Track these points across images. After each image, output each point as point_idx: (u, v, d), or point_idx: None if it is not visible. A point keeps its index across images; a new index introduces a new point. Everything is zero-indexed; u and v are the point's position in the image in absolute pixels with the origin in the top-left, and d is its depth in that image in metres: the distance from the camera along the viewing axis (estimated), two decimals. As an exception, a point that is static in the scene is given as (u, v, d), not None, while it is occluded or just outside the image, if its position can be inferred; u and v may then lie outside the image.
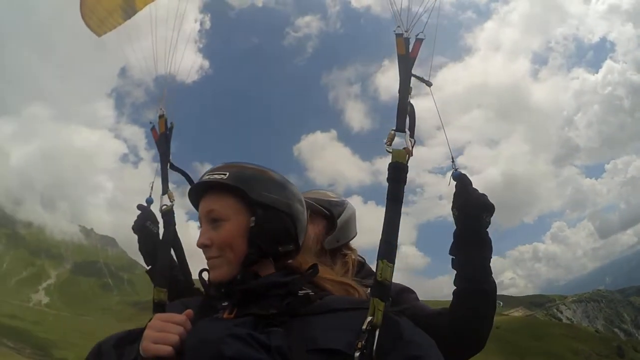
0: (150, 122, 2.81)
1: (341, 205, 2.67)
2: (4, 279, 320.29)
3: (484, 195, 2.03)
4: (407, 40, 1.99)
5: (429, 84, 2.05)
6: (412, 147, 1.86)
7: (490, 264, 2.07)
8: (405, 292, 2.31)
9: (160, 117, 2.78)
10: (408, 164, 1.81)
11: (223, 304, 1.65)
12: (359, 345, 1.43)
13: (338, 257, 2.52)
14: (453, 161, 2.13)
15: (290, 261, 1.80)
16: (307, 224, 1.87)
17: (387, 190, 1.78)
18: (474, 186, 2.07)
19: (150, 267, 2.64)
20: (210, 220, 1.71)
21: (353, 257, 2.56)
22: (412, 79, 1.98)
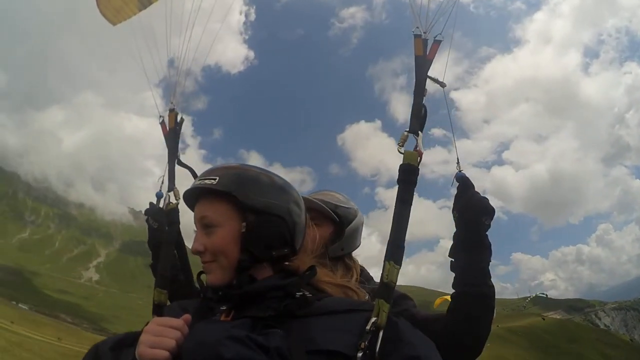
0: (160, 116, 2.71)
1: (351, 213, 2.60)
2: (57, 257, 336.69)
3: (484, 198, 2.04)
4: (425, 41, 1.98)
5: (442, 85, 2.04)
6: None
7: (489, 268, 2.05)
8: (404, 299, 2.29)
9: (171, 111, 2.68)
10: (419, 166, 1.79)
11: (221, 307, 1.63)
12: (362, 346, 1.42)
13: (339, 265, 2.48)
14: (458, 162, 2.15)
15: (287, 263, 1.76)
16: (306, 226, 1.83)
17: (397, 191, 1.76)
18: (475, 189, 2.08)
19: (152, 262, 2.66)
20: (203, 226, 1.68)
21: (356, 266, 2.54)
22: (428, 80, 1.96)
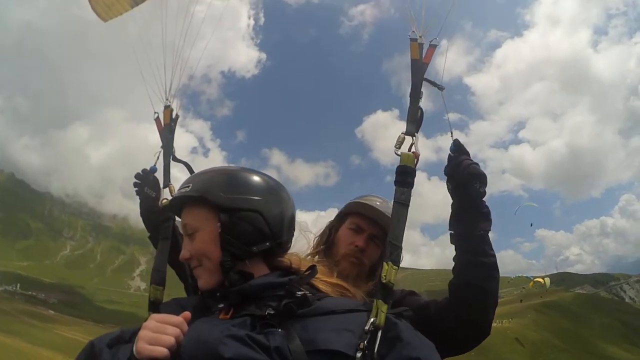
0: (155, 113, 2.69)
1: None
2: (101, 270, 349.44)
3: (474, 163, 1.99)
4: (421, 45, 1.98)
5: (441, 88, 2.02)
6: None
7: (490, 236, 2.01)
8: (409, 295, 2.27)
9: (166, 107, 2.66)
10: (416, 168, 1.82)
11: (219, 305, 1.63)
12: (361, 346, 1.42)
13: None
14: (451, 133, 2.10)
15: (281, 259, 1.78)
16: (287, 216, 1.76)
17: (394, 193, 1.79)
18: (470, 157, 2.04)
19: (150, 234, 2.62)
20: (187, 234, 1.72)
21: None
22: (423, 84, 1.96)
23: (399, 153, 1.85)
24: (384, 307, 1.55)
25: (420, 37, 2.01)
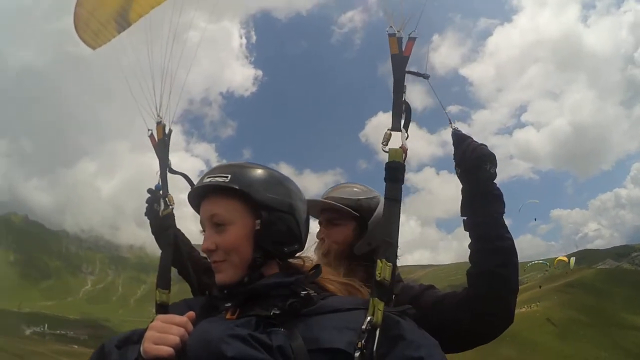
0: (149, 130, 2.72)
1: (373, 202, 2.39)
2: (124, 301, 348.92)
3: (482, 145, 1.96)
4: (399, 39, 1.95)
5: (426, 77, 1.99)
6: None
7: (504, 219, 1.96)
8: (427, 290, 2.20)
9: (158, 124, 2.69)
10: (405, 163, 1.79)
11: (226, 305, 1.64)
12: (359, 345, 1.41)
13: (360, 270, 2.23)
14: (450, 122, 2.09)
15: (292, 260, 1.80)
16: (309, 221, 1.86)
17: (384, 190, 1.77)
18: (472, 140, 2.01)
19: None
20: (214, 225, 1.68)
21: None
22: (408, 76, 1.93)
23: (387, 149, 1.81)
24: (380, 305, 1.53)
25: (398, 31, 1.97)
